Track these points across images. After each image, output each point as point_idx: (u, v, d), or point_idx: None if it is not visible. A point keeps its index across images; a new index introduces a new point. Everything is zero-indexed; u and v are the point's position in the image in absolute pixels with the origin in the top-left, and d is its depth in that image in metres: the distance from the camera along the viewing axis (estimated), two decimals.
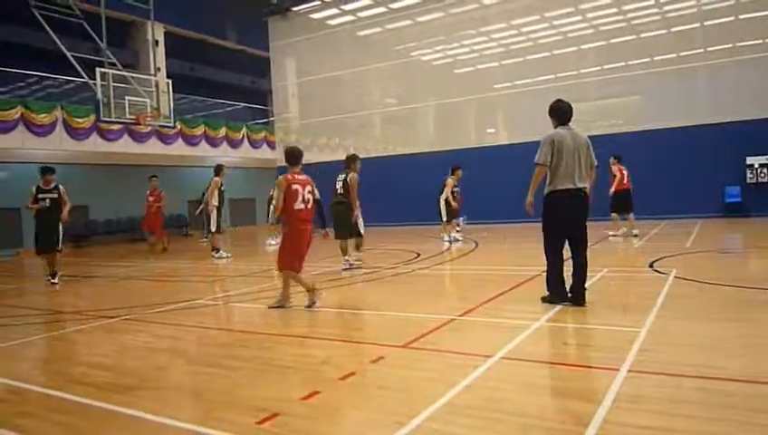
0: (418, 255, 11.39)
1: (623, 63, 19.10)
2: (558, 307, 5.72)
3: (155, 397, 3.85)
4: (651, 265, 8.24)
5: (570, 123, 5.87)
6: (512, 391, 3.53)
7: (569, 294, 5.78)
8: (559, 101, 5.94)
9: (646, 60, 18.33)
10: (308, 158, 23.74)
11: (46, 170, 10.20)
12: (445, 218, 13.28)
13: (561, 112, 5.87)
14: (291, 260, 6.52)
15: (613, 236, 12.55)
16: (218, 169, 12.87)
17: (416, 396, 3.53)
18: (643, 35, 19.49)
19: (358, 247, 10.22)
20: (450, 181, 13.20)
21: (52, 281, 10.07)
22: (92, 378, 4.35)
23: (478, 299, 6.43)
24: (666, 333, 4.70)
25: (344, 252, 9.67)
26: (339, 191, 9.51)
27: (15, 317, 7.24)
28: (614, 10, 19.32)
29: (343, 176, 9.58)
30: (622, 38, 19.38)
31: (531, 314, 5.52)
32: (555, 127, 5.86)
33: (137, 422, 3.36)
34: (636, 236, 12.27)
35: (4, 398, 4.06)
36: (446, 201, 13.13)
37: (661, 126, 16.56)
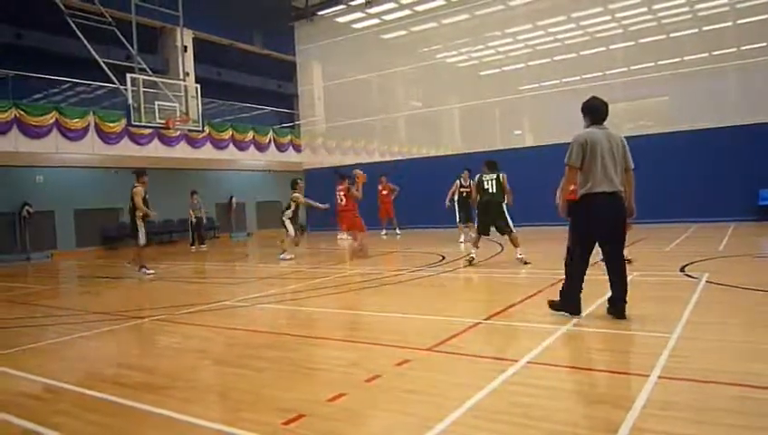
0: (444, 257, 11.36)
1: (652, 64, 18.82)
2: (585, 311, 5.63)
3: (184, 397, 3.91)
4: (682, 270, 8.09)
5: (604, 123, 5.51)
6: (539, 396, 3.51)
7: (579, 308, 5.48)
8: (593, 98, 5.56)
9: (676, 60, 18.02)
10: (332, 161, 24.01)
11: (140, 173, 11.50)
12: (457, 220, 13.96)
13: (595, 111, 5.48)
14: None
15: None
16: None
17: (441, 400, 3.52)
18: (673, 35, 19.17)
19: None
20: (457, 182, 13.57)
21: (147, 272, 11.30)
22: (124, 377, 4.45)
23: (505, 302, 6.39)
24: (698, 339, 4.61)
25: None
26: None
27: (50, 317, 7.43)
28: (643, 9, 19.05)
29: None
30: (651, 38, 19.11)
31: (559, 318, 5.46)
32: (588, 126, 5.49)
33: (168, 422, 3.42)
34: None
35: (41, 396, 4.17)
36: (459, 202, 13.55)
37: (691, 127, 16.25)
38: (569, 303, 5.55)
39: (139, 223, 11.14)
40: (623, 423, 3.00)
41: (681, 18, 19.07)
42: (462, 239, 13.96)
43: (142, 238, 11.25)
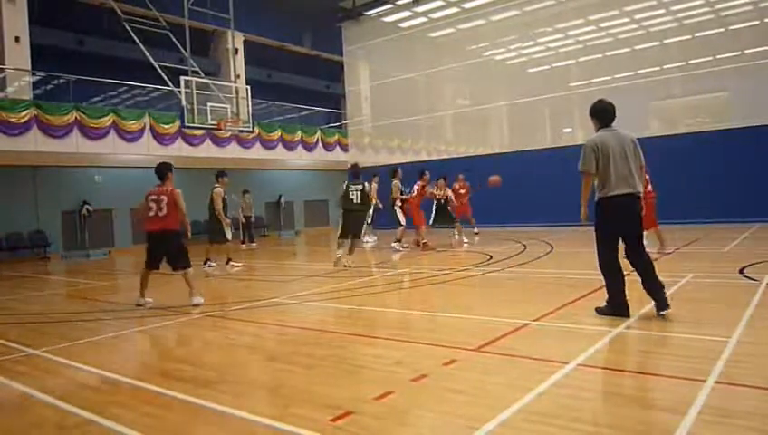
0: (491, 257, 11.26)
1: (710, 58, 18.11)
2: (639, 314, 5.49)
3: (235, 392, 4.01)
4: (741, 271, 7.77)
5: (612, 124, 5.54)
6: (589, 400, 3.44)
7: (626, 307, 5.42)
8: (600, 100, 5.63)
9: (735, 53, 17.30)
10: (377, 160, 24.09)
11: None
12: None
13: (604, 113, 5.54)
14: None
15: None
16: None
17: (488, 401, 3.50)
18: (732, 27, 18.40)
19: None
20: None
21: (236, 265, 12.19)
22: (178, 371, 4.59)
23: (554, 304, 6.28)
24: (758, 344, 4.42)
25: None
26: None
27: (108, 312, 7.73)
28: (700, 1, 18.37)
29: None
30: (709, 31, 18.39)
31: (610, 321, 5.34)
32: (597, 129, 5.55)
33: (219, 416, 3.51)
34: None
35: (99, 388, 4.35)
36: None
37: (751, 123, 15.54)
38: (614, 305, 5.48)
39: (223, 220, 11.84)
40: (677, 430, 2.91)
41: (741, 10, 18.29)
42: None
43: (228, 234, 11.95)
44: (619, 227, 5.45)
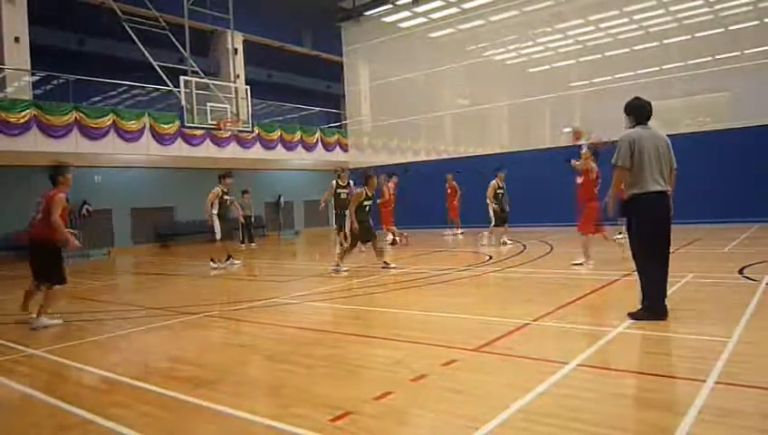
0: (491, 257, 11.26)
1: (710, 58, 18.10)
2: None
3: (235, 391, 4.01)
4: (741, 272, 7.77)
5: (648, 122, 5.44)
6: (589, 400, 3.44)
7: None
8: (637, 98, 5.55)
9: (735, 54, 17.30)
10: (379, 160, 24.08)
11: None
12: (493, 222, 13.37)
13: (640, 110, 5.44)
14: None
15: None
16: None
17: (488, 401, 3.50)
18: (732, 28, 18.40)
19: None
20: (493, 183, 13.23)
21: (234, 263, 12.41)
22: (177, 371, 4.58)
23: (553, 304, 6.28)
24: (757, 345, 4.42)
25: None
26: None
27: (108, 312, 7.73)
28: (700, 2, 18.38)
29: None
30: (709, 31, 18.39)
31: (610, 321, 5.34)
32: (632, 126, 5.45)
33: (218, 416, 3.51)
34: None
35: (98, 387, 4.35)
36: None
37: (751, 123, 15.54)
38: (653, 308, 5.29)
39: (215, 219, 11.99)
40: (677, 430, 2.91)
41: (741, 10, 18.29)
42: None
43: (218, 233, 12.06)
44: (661, 224, 5.29)
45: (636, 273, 5.52)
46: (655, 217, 5.27)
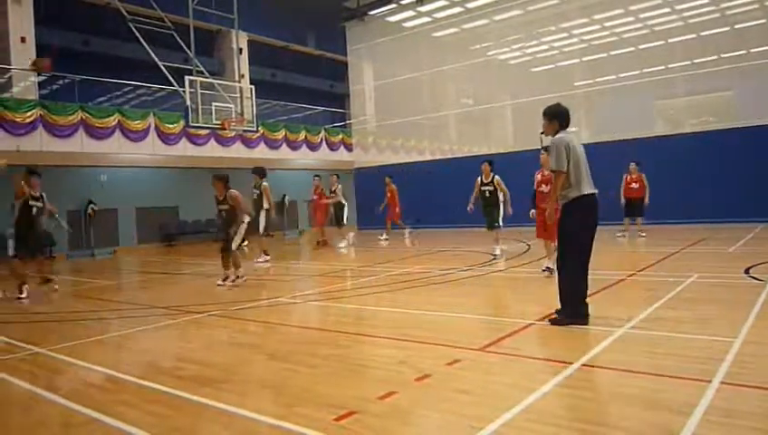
0: (495, 257, 11.24)
1: (715, 57, 18.04)
2: (644, 314, 5.47)
3: (239, 391, 4.02)
4: (747, 272, 7.73)
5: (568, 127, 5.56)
6: (593, 400, 3.43)
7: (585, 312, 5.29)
8: (559, 104, 5.65)
9: (741, 53, 17.23)
10: (382, 159, 24.09)
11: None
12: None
13: (565, 116, 5.56)
14: None
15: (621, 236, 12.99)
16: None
17: (492, 401, 3.50)
18: (737, 26, 18.32)
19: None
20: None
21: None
22: (182, 370, 4.60)
23: (557, 304, 6.26)
24: (763, 345, 4.41)
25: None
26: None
27: (113, 311, 7.76)
28: (705, 0, 18.30)
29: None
30: (714, 30, 18.32)
31: (615, 321, 5.32)
32: (557, 131, 5.52)
33: (223, 415, 3.52)
34: (643, 236, 12.59)
35: (105, 386, 4.37)
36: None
37: (756, 123, 15.48)
38: (574, 307, 5.29)
39: (262, 214, 12.33)
40: (682, 430, 2.90)
41: (747, 9, 18.20)
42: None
43: (262, 228, 12.41)
44: (591, 229, 5.35)
45: (557, 275, 5.51)
46: (592, 218, 5.36)
